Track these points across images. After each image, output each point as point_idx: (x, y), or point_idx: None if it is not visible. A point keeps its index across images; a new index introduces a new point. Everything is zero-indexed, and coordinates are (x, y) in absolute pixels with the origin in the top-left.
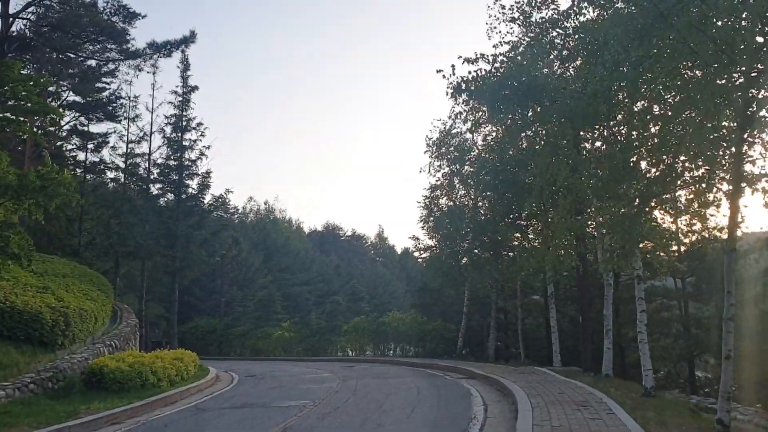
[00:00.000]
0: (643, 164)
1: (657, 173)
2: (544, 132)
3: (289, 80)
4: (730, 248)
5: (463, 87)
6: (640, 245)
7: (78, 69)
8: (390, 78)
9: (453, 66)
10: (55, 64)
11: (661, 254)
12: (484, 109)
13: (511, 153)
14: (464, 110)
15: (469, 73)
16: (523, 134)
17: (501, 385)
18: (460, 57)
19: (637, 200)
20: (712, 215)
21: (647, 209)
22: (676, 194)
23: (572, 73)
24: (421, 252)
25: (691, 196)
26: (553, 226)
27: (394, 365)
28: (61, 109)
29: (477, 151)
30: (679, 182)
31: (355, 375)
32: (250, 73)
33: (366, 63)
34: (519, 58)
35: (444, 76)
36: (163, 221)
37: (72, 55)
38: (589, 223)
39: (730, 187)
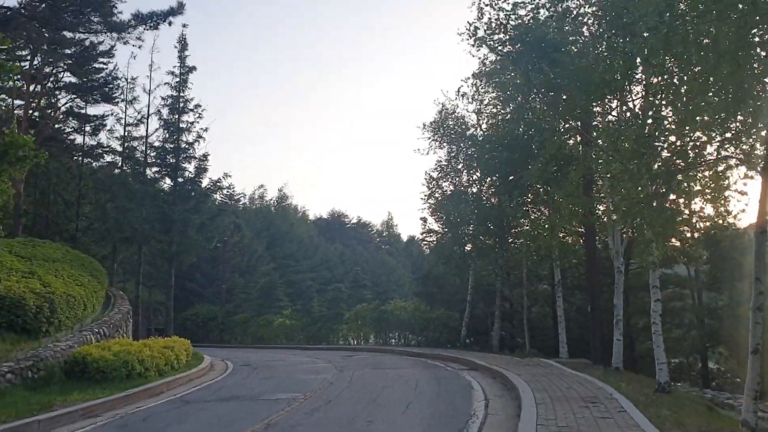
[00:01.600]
0: (664, 139)
1: (680, 147)
2: (552, 97)
3: (289, 67)
4: (761, 230)
5: (483, 33)
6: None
7: (74, 49)
8: (395, 59)
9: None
10: (50, 43)
11: (675, 242)
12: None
13: (520, 130)
14: (482, 64)
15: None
16: (533, 100)
17: (504, 378)
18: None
19: (658, 181)
20: (726, 200)
21: (666, 190)
22: (694, 176)
23: (588, 34)
24: (427, 235)
25: (707, 179)
26: (559, 208)
27: (395, 355)
28: (17, 64)
29: (480, 130)
30: (701, 160)
31: (353, 365)
32: (246, 64)
33: (369, 49)
34: (532, 15)
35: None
36: (158, 205)
37: (69, 34)
38: (598, 204)
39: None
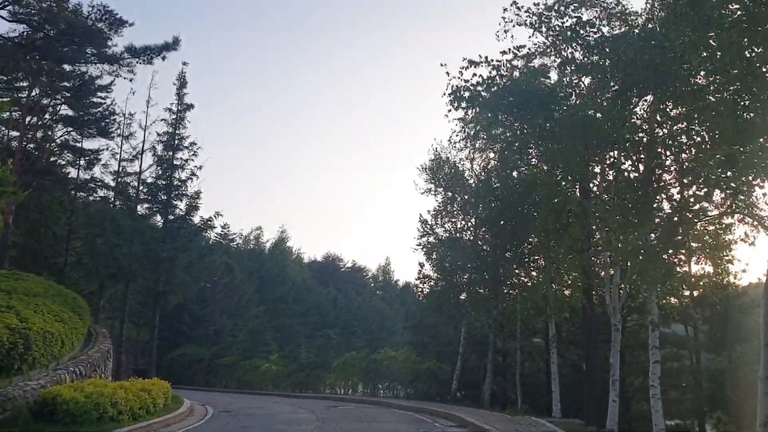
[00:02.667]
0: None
1: (681, 201)
2: (550, 152)
3: (287, 109)
4: None
5: (465, 95)
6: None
7: (72, 82)
8: (394, 99)
9: (462, 69)
10: (49, 75)
11: (672, 300)
12: (487, 116)
13: (514, 175)
14: (462, 122)
15: (466, 80)
16: (525, 155)
17: None
18: (464, 60)
19: (659, 234)
20: (728, 260)
21: (665, 244)
22: (696, 232)
23: (587, 85)
24: (423, 280)
25: (707, 235)
26: (558, 261)
27: (382, 407)
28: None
29: (474, 178)
30: (703, 215)
31: (336, 417)
32: (244, 101)
33: (363, 85)
34: (531, 64)
35: (447, 73)
36: (147, 242)
37: (68, 67)
38: (596, 259)
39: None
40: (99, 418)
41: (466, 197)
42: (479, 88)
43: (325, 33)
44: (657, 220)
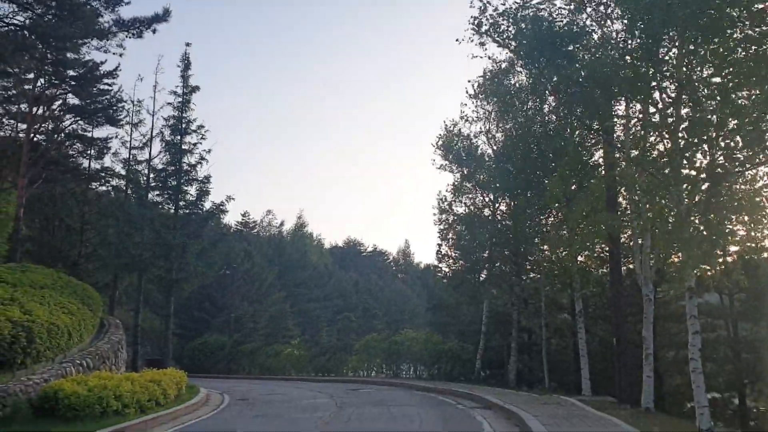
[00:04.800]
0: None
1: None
2: (568, 96)
3: (302, 88)
4: None
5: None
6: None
7: (77, 71)
8: (411, 75)
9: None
10: (53, 64)
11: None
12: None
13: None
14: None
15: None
16: (545, 101)
17: (520, 420)
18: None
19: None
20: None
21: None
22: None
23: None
24: (441, 260)
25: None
26: (579, 227)
27: (404, 389)
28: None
29: (489, 147)
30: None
31: (356, 401)
32: (257, 84)
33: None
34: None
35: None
36: (157, 230)
37: (72, 55)
38: (623, 224)
39: None
40: (103, 413)
41: (480, 172)
42: (501, 19)
43: (343, 13)
44: (693, 173)
